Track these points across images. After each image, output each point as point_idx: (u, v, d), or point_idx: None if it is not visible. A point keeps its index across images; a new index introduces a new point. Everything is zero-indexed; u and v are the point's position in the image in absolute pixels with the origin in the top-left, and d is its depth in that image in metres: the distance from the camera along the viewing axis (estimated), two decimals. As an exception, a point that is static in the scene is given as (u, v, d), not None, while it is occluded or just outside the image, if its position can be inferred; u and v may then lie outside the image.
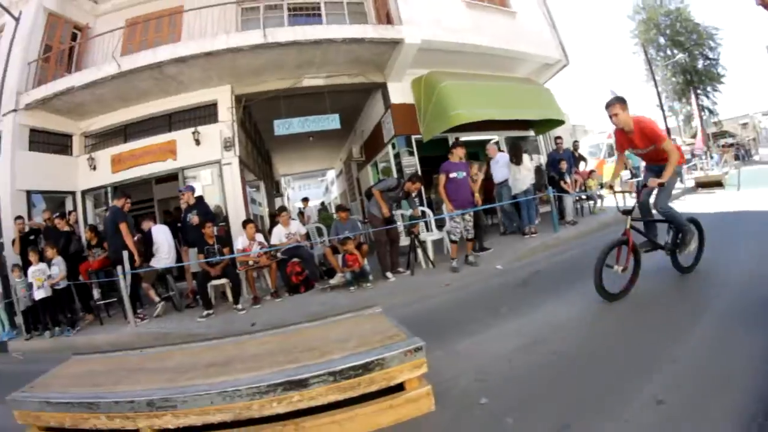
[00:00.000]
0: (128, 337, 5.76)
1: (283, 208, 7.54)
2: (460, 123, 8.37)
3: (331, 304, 5.52)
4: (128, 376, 2.90)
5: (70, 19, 10.01)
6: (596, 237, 6.93)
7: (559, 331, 3.30)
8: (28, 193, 8.90)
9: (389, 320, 2.94)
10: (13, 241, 7.39)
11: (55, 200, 9.64)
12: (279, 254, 6.58)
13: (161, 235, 6.62)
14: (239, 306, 6.02)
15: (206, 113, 9.41)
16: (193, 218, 6.59)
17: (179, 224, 7.14)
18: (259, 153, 13.32)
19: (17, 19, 8.59)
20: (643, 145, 3.91)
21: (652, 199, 4.17)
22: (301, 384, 2.17)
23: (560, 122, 10.68)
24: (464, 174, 6.25)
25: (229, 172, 9.11)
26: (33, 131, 9.28)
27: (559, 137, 10.17)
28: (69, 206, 9.55)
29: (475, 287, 5.19)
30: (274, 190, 17.23)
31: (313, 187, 29.99)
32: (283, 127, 9.21)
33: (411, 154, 9.59)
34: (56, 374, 3.34)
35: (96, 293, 6.99)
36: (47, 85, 8.93)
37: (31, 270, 6.43)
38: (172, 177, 9.55)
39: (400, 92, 9.54)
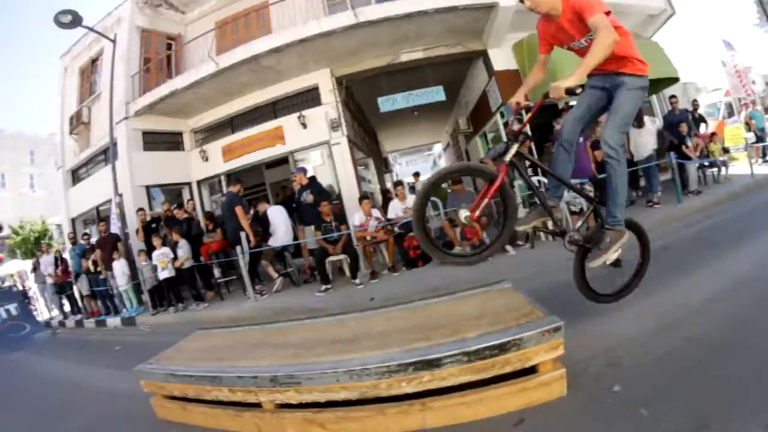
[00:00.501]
0: (248, 312, 5.88)
1: (399, 182, 7.36)
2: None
3: (451, 278, 5.21)
4: (251, 351, 2.87)
5: (162, 32, 10.89)
6: (724, 209, 6.27)
7: (692, 315, 2.83)
8: (147, 188, 9.87)
9: (522, 296, 2.68)
10: (137, 231, 8.09)
11: (173, 191, 10.50)
12: (396, 228, 6.41)
13: (277, 215, 6.70)
14: (357, 281, 5.88)
15: (309, 97, 9.59)
16: (308, 197, 6.63)
17: (294, 204, 7.22)
18: (365, 131, 13.38)
19: (114, 41, 9.41)
20: (580, 33, 2.40)
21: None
22: (433, 364, 2.01)
23: (674, 80, 9.47)
24: (581, 140, 5.69)
25: (338, 152, 9.20)
26: (145, 133, 10.23)
27: (673, 96, 9.11)
28: (186, 195, 10.38)
29: None
30: (382, 166, 17.18)
31: (420, 162, 28.77)
32: (387, 103, 9.10)
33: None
34: (180, 348, 3.41)
35: (216, 272, 7.35)
36: (152, 92, 9.73)
37: (155, 254, 7.02)
38: (282, 161, 9.91)
39: (502, 58, 8.97)
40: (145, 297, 7.61)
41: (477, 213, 2.36)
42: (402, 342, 2.32)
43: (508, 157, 2.41)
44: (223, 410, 2.49)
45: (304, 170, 7.36)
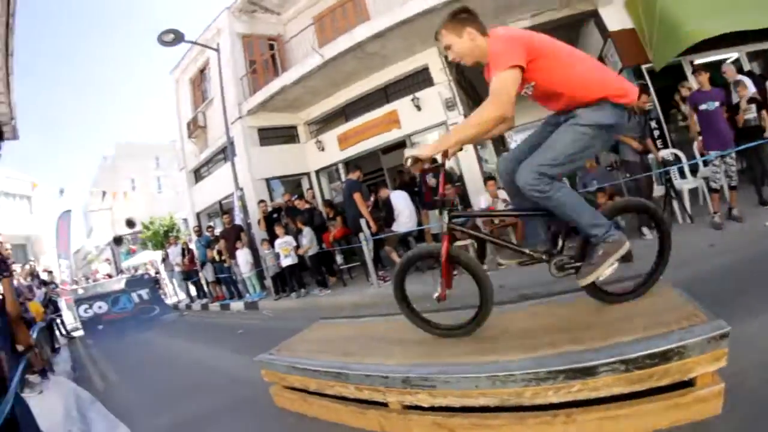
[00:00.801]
0: (371, 297, 5.81)
1: None
2: (696, 41, 6.32)
3: None
4: (379, 347, 2.63)
5: (262, 35, 11.41)
6: None
7: None
8: (267, 180, 10.41)
9: (679, 292, 2.15)
10: (259, 221, 8.46)
11: (293, 182, 10.99)
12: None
13: (400, 200, 6.54)
14: (485, 267, 5.60)
15: (420, 79, 9.42)
16: (431, 180, 6.43)
17: (416, 188, 7.06)
18: None
19: (218, 50, 9.92)
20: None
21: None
22: (585, 372, 1.71)
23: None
24: (716, 104, 4.74)
25: None
26: (260, 130, 10.77)
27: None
28: (305, 185, 10.80)
29: (746, 250, 3.89)
30: (501, 145, 16.72)
31: None
32: None
33: (645, 87, 7.91)
34: (303, 338, 3.31)
35: (339, 258, 7.50)
36: (262, 91, 10.13)
37: (278, 242, 7.27)
38: (399, 145, 9.87)
39: (616, 17, 7.94)
40: (268, 283, 7.98)
41: (444, 293, 2.25)
42: (549, 344, 2.01)
43: (444, 227, 2.19)
44: (345, 406, 2.38)
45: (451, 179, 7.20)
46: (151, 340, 6.72)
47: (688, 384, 1.72)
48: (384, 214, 6.73)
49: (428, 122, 9.22)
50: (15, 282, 5.00)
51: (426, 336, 2.65)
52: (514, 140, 24.95)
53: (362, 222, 6.18)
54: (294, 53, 10.58)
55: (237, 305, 8.60)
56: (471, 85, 11.49)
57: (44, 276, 10.93)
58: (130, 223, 19.19)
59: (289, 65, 10.56)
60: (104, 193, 18.08)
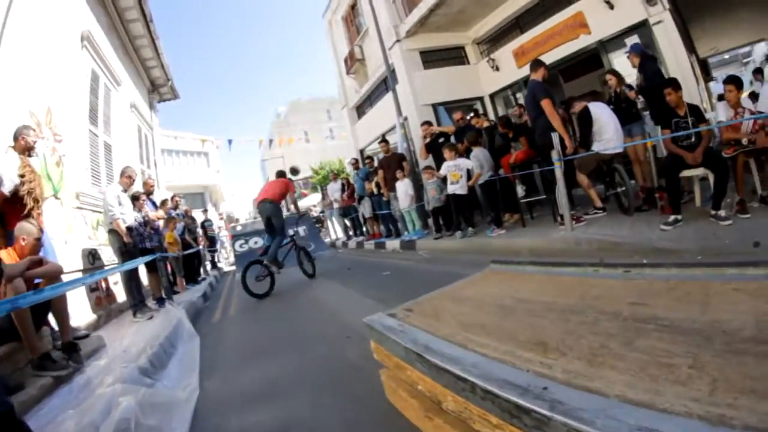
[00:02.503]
0: (561, 243, 4.36)
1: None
2: None
3: None
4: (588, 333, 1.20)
5: None
6: None
7: None
8: (434, 106, 9.40)
9: None
10: (423, 146, 7.40)
11: (463, 108, 9.61)
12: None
13: (604, 111, 4.78)
14: (722, 213, 3.59)
15: None
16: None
17: (611, 105, 5.16)
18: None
19: None
20: None
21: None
22: None
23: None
24: None
25: (662, 34, 6.46)
26: (423, 52, 9.72)
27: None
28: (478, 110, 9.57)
29: None
30: (702, 73, 12.88)
31: (732, 70, 21.14)
32: None
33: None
34: (459, 293, 2.00)
35: (520, 190, 5.96)
36: (419, 6, 8.94)
37: (446, 164, 6.04)
38: (587, 64, 8.10)
39: None
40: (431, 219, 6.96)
41: None
42: None
43: None
44: None
45: (638, 48, 5.17)
46: (294, 274, 6.41)
47: None
48: (579, 133, 5.03)
49: (624, 22, 6.90)
50: (144, 212, 5.38)
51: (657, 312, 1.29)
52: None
53: (554, 137, 4.54)
54: None
55: (393, 243, 7.87)
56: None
57: (201, 216, 12.28)
58: (294, 171, 20.85)
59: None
60: (271, 141, 19.68)
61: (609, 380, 0.92)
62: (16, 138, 3.44)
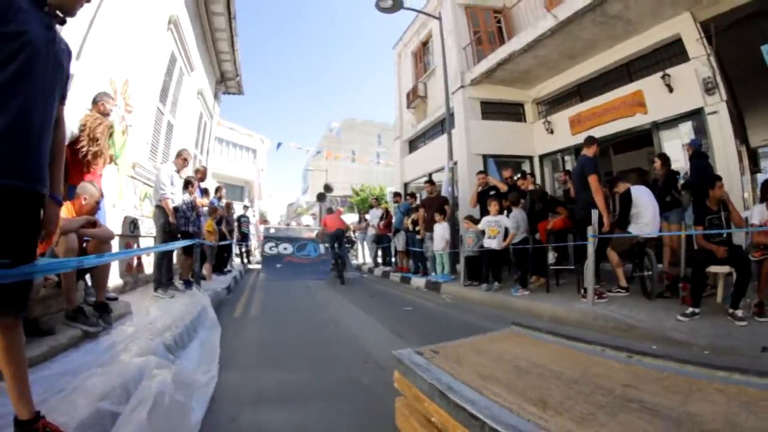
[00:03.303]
0: (579, 315, 4.49)
1: None
2: None
3: None
4: (615, 415, 1.33)
5: (487, 7, 10.71)
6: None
7: None
8: (484, 157, 9.61)
9: None
10: (472, 196, 7.63)
11: (512, 164, 9.82)
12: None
13: (645, 196, 4.97)
14: (739, 312, 3.66)
15: (671, 53, 7.29)
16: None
17: (656, 191, 5.31)
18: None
19: (439, 18, 9.57)
20: None
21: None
22: None
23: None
24: None
25: (715, 123, 6.56)
26: (483, 103, 10.00)
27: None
28: (526, 170, 9.65)
29: None
30: (750, 163, 12.53)
31: None
32: None
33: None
34: (479, 345, 2.20)
35: (551, 257, 6.08)
36: (488, 58, 9.27)
37: (486, 219, 6.27)
38: (638, 141, 8.34)
39: None
40: (460, 267, 7.11)
41: None
42: None
43: None
44: None
45: (696, 143, 5.35)
46: (316, 290, 6.65)
47: None
48: (618, 212, 5.20)
49: (681, 108, 7.01)
50: (193, 197, 5.61)
51: (709, 416, 1.35)
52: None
53: (594, 214, 4.72)
54: (521, 23, 9.44)
55: (418, 281, 8.02)
56: (734, 61, 8.38)
57: (240, 210, 12.62)
58: (328, 188, 21.26)
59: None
60: (318, 152, 20.29)
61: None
62: (95, 101, 3.69)
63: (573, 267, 5.71)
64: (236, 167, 25.52)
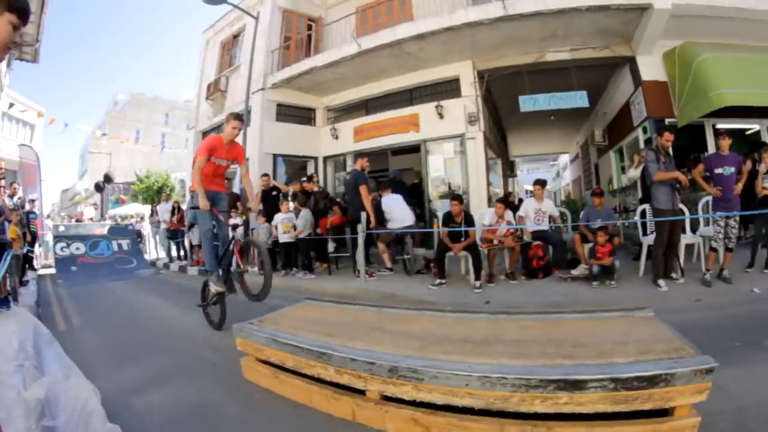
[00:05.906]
0: (355, 290, 5.75)
1: (541, 182, 6.55)
2: (722, 106, 6.61)
3: (572, 297, 4.86)
4: (367, 334, 2.67)
5: (303, 14, 11.45)
6: None
7: None
8: (274, 156, 10.38)
9: (668, 327, 2.37)
10: (257, 194, 8.12)
11: (298, 163, 11.04)
12: (527, 237, 5.91)
13: (394, 202, 6.56)
14: (478, 282, 5.45)
15: (448, 88, 9.43)
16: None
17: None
18: (498, 131, 13.14)
19: (256, 18, 9.97)
20: None
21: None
22: (575, 385, 1.77)
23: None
24: (732, 170, 4.94)
25: (472, 147, 8.92)
26: (279, 105, 10.72)
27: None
28: (310, 169, 10.73)
29: (729, 309, 4.21)
30: (508, 170, 16.59)
31: (542, 171, 27.64)
32: (528, 103, 8.53)
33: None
34: (287, 314, 3.36)
35: (331, 246, 7.37)
36: (291, 67, 10.12)
37: (280, 216, 7.19)
38: (412, 149, 9.97)
39: (651, 67, 8.00)
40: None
41: None
42: (542, 355, 2.07)
43: None
44: (320, 389, 2.33)
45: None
46: (121, 291, 6.49)
47: (668, 413, 1.81)
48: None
49: (447, 131, 9.26)
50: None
51: (414, 330, 2.71)
52: (520, 169, 24.90)
53: (362, 215, 6.10)
54: (330, 39, 10.61)
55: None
56: (494, 105, 11.52)
57: (27, 205, 10.49)
58: (108, 179, 18.23)
59: (323, 49, 10.58)
60: (105, 135, 17.59)
61: (363, 345, 2.37)
62: None
63: (349, 255, 7.16)
64: (10, 147, 19.40)
